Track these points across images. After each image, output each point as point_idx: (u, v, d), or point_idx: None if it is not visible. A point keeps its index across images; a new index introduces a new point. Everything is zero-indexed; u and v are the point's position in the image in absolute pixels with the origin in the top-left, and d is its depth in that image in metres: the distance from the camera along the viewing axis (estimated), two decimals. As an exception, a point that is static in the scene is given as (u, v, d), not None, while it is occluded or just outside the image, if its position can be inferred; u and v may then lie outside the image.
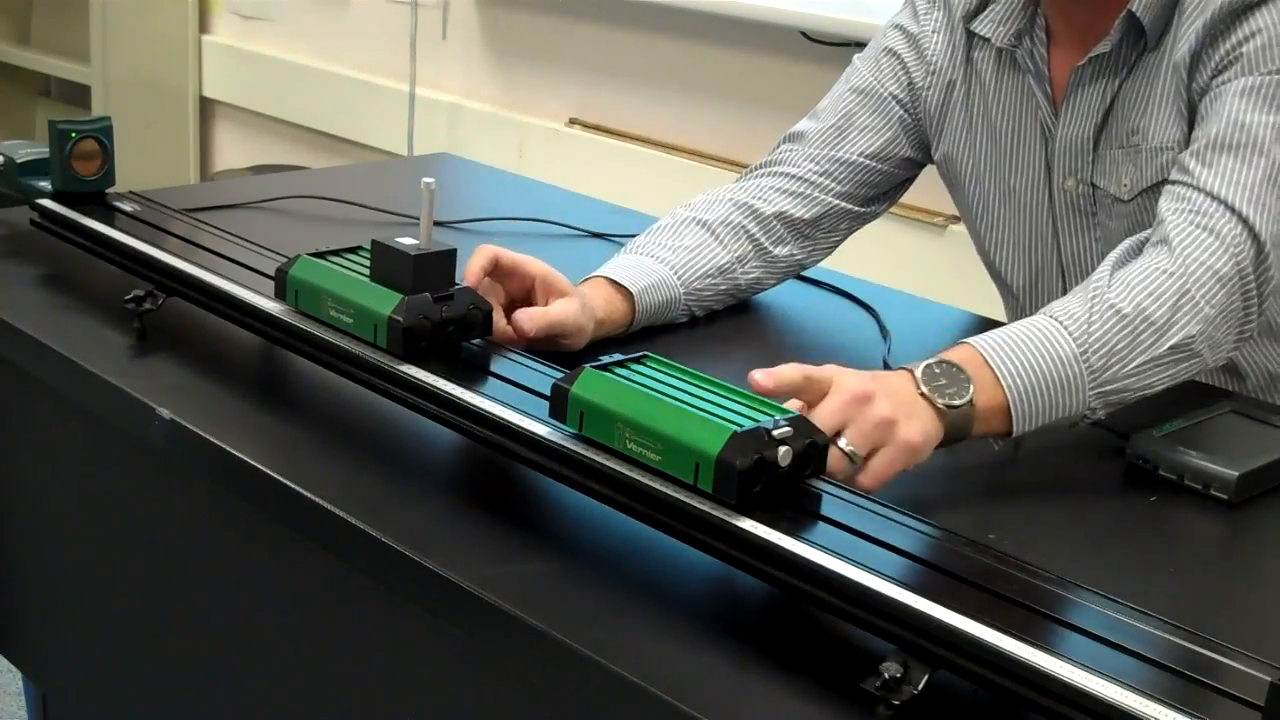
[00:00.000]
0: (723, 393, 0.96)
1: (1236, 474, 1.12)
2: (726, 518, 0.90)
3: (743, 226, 1.47)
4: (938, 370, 1.09)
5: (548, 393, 1.01)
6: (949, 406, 1.07)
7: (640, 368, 0.99)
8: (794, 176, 1.50)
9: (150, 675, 1.33)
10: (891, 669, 0.80)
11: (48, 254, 1.47)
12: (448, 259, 1.13)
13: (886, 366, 1.35)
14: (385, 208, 1.70)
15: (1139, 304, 1.16)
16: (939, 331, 1.52)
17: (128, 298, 1.28)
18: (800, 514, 0.92)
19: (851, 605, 0.85)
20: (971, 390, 1.08)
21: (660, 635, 0.89)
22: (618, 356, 1.00)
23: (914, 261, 2.48)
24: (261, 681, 1.20)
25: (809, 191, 1.49)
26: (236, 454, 1.09)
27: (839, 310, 1.55)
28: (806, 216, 1.49)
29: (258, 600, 1.18)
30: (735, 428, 0.89)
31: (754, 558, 0.89)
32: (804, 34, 2.66)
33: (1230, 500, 1.12)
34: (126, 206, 1.46)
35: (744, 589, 0.93)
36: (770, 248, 1.48)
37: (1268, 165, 1.23)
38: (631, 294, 1.36)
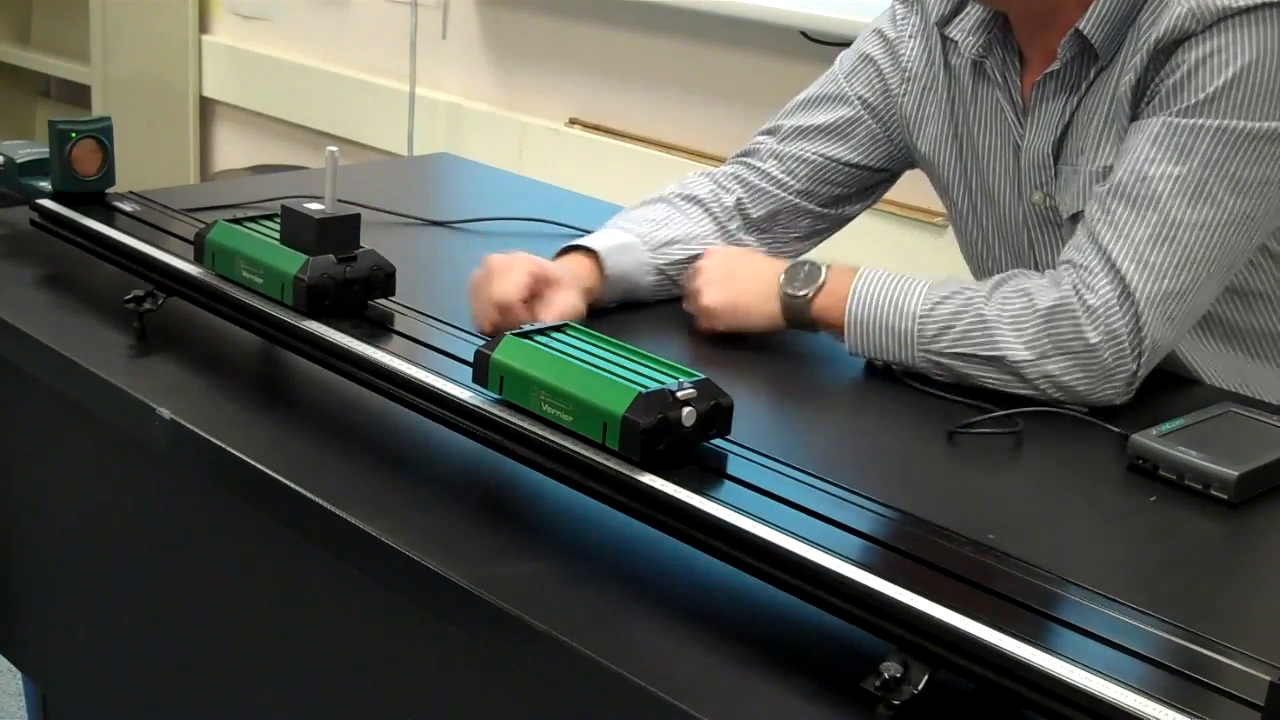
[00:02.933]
0: (635, 358, 1.01)
1: (1236, 474, 1.12)
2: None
3: (704, 206, 1.53)
4: (805, 268, 1.37)
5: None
6: (787, 294, 1.36)
7: (560, 335, 1.04)
8: (757, 169, 1.54)
9: (150, 675, 1.33)
10: (891, 669, 0.80)
11: (48, 254, 1.47)
12: (352, 223, 1.21)
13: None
14: (385, 208, 1.70)
15: (993, 314, 1.27)
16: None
17: (128, 298, 1.28)
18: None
19: (850, 605, 0.85)
20: (812, 288, 1.35)
21: (660, 635, 0.89)
22: (538, 325, 1.05)
23: (913, 261, 2.48)
24: (261, 681, 1.20)
25: (767, 188, 1.53)
26: (236, 454, 1.09)
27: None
28: (758, 215, 1.54)
29: (257, 600, 1.18)
30: (640, 389, 0.94)
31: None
32: (804, 34, 2.66)
33: (1230, 500, 1.12)
34: (126, 206, 1.46)
35: (744, 589, 0.93)
36: (732, 231, 1.53)
37: (1159, 220, 1.25)
38: (599, 255, 1.43)
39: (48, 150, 1.47)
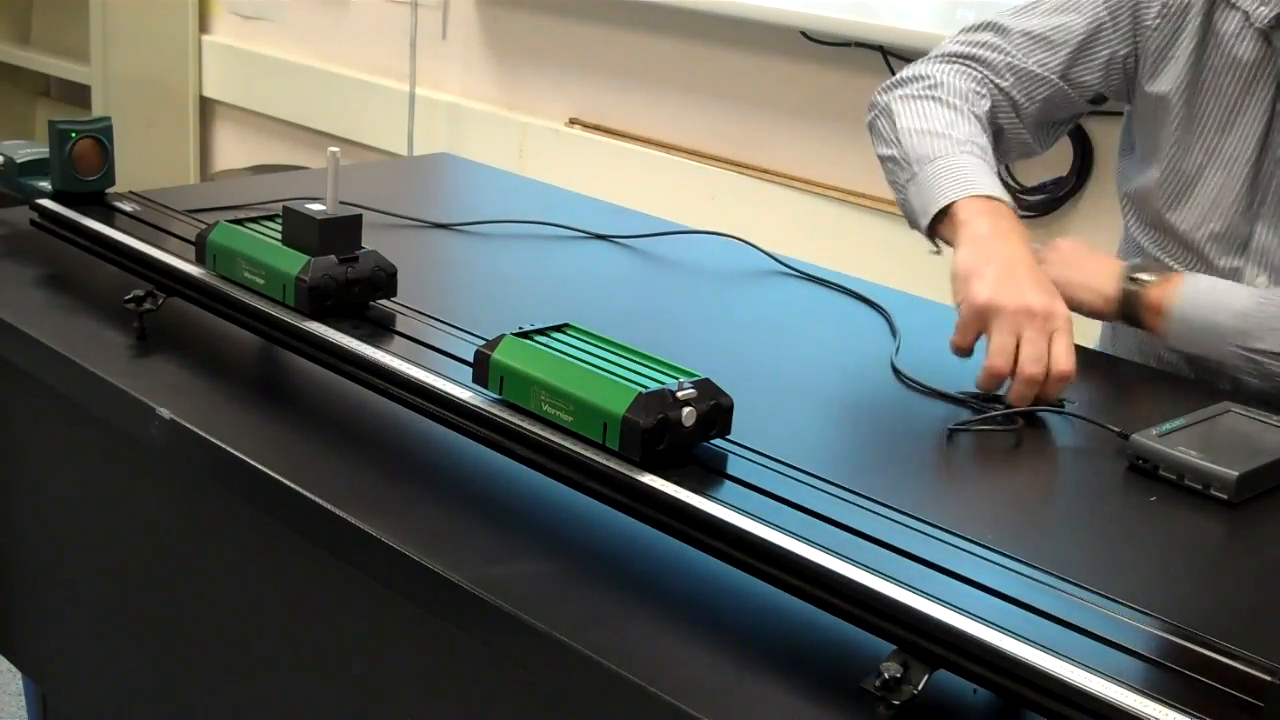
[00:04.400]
0: (634, 358, 1.01)
1: (1236, 474, 1.12)
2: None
3: (979, 119, 1.52)
4: (1151, 265, 1.44)
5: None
6: (1128, 279, 1.42)
7: (560, 335, 1.04)
8: (995, 85, 1.52)
9: (150, 675, 1.33)
10: (891, 669, 0.80)
11: (48, 254, 1.47)
12: (353, 224, 1.21)
13: (894, 368, 1.36)
14: (385, 208, 1.70)
15: None
16: (946, 332, 1.52)
17: (128, 298, 1.28)
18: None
19: (850, 605, 0.85)
20: (1153, 278, 1.41)
21: (660, 635, 0.89)
22: (538, 325, 1.05)
23: (913, 261, 2.48)
24: (261, 681, 1.20)
25: (1004, 106, 1.53)
26: (236, 454, 1.09)
27: (850, 310, 1.55)
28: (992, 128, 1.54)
29: (257, 600, 1.18)
30: (640, 389, 0.94)
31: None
32: (804, 34, 2.66)
33: (1230, 500, 1.12)
34: (126, 206, 1.46)
35: (743, 589, 0.93)
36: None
37: None
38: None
39: (48, 150, 1.47)
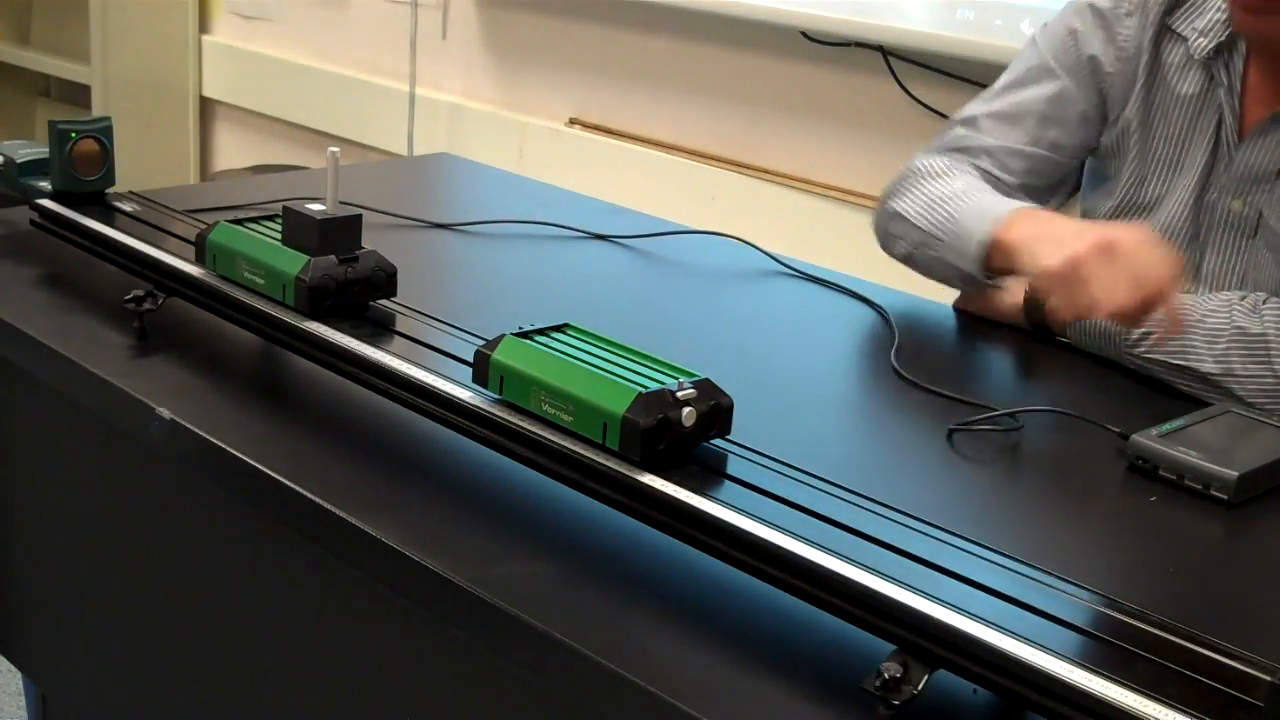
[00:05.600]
0: (634, 358, 1.01)
1: (1236, 474, 1.12)
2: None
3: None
4: None
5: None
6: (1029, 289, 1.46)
7: (560, 335, 1.04)
8: (976, 168, 1.53)
9: (150, 675, 1.33)
10: (891, 669, 0.80)
11: (48, 254, 1.47)
12: (353, 224, 1.21)
13: (894, 367, 1.36)
14: (385, 208, 1.70)
15: (1192, 324, 1.34)
16: (946, 332, 1.52)
17: (128, 298, 1.28)
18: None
19: (850, 605, 0.85)
20: None
21: (660, 635, 0.89)
22: (538, 325, 1.05)
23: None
24: (261, 681, 1.20)
25: (990, 183, 1.53)
26: (236, 454, 1.09)
27: (850, 310, 1.55)
28: None
29: (257, 600, 1.18)
30: (640, 389, 0.95)
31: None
32: (804, 34, 2.66)
33: (1230, 500, 1.12)
34: (126, 206, 1.46)
35: (743, 589, 0.93)
36: None
37: None
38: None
39: (48, 150, 1.47)
